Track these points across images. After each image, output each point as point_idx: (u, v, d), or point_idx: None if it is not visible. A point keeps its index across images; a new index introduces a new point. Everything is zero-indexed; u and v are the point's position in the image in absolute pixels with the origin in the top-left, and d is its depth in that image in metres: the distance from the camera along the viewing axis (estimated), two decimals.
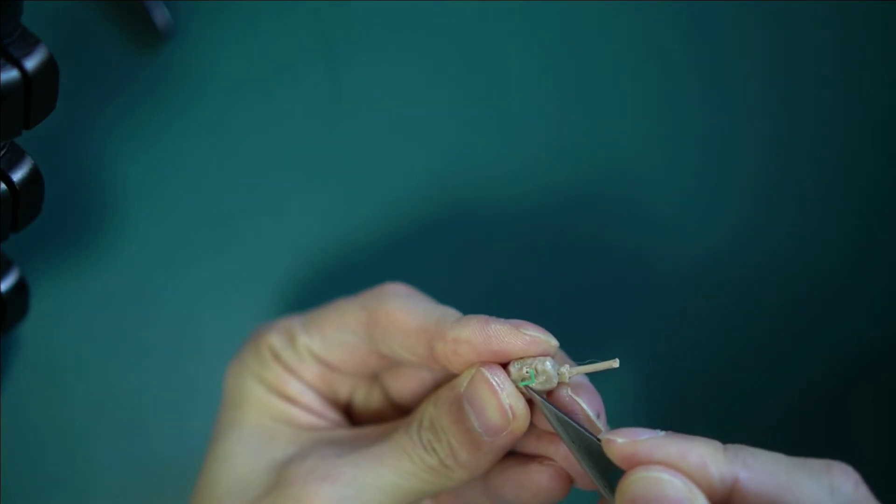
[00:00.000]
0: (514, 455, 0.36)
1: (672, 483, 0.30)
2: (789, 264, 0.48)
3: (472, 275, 0.49)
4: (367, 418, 0.40)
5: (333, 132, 0.50)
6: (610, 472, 0.32)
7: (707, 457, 0.30)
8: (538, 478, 0.35)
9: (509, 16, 0.50)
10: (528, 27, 0.50)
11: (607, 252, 0.49)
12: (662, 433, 0.31)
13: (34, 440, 0.49)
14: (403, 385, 0.39)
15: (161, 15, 0.49)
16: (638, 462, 0.31)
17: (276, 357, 0.38)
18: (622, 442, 0.31)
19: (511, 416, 0.33)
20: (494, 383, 0.33)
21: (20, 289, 0.44)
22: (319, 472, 0.35)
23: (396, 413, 0.40)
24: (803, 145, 0.49)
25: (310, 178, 0.50)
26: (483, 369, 0.34)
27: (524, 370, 0.33)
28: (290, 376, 0.38)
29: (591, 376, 0.34)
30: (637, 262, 0.49)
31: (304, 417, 0.38)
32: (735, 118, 0.49)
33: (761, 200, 0.49)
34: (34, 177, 0.37)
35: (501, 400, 0.33)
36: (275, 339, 0.39)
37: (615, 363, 0.33)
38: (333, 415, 0.39)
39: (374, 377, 0.40)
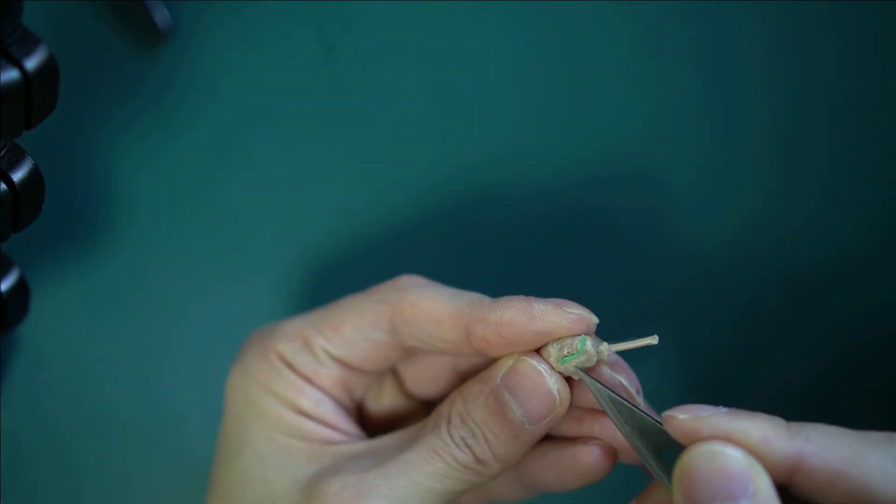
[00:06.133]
0: (551, 440, 0.36)
1: (734, 457, 0.30)
2: (802, 244, 0.48)
3: (482, 261, 0.49)
4: (380, 412, 0.40)
5: (334, 129, 0.50)
6: (664, 453, 0.32)
7: (769, 432, 0.30)
8: (585, 458, 0.35)
9: (511, 8, 0.50)
10: (530, 20, 0.50)
11: (620, 231, 0.49)
12: (724, 410, 0.31)
13: (34, 440, 0.49)
14: (420, 372, 0.39)
15: (161, 15, 0.49)
16: (700, 438, 0.30)
17: (289, 365, 0.37)
18: (684, 418, 0.31)
19: (558, 400, 0.34)
20: (542, 370, 0.33)
21: (20, 289, 0.44)
22: (352, 489, 0.34)
23: (410, 402, 0.40)
24: (816, 124, 0.49)
25: (311, 175, 0.50)
26: (525, 357, 0.34)
27: (565, 350, 0.33)
28: (305, 385, 0.37)
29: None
30: (651, 241, 0.49)
31: (319, 431, 0.37)
32: (747, 96, 0.49)
33: (772, 180, 0.49)
34: (34, 177, 0.37)
35: (550, 386, 0.33)
36: (284, 346, 0.37)
37: (654, 339, 0.33)
38: (348, 426, 0.38)
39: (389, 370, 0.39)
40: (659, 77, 0.49)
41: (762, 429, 0.30)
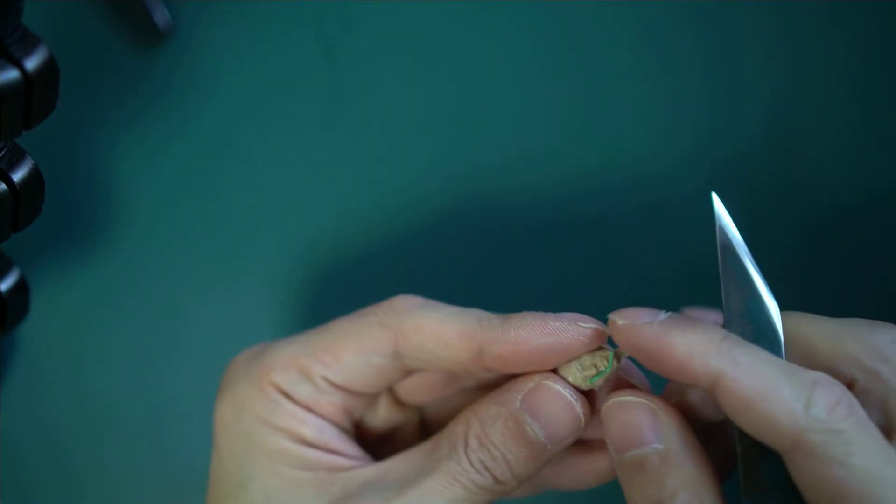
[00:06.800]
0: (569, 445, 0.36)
1: (638, 407, 0.32)
2: (804, 248, 0.48)
3: (484, 267, 0.49)
4: (377, 426, 0.39)
5: (335, 129, 0.50)
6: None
7: (696, 349, 0.30)
8: (604, 462, 0.36)
9: (513, 8, 0.50)
10: (534, 19, 0.50)
11: (624, 240, 0.49)
12: (664, 315, 0.31)
13: (33, 440, 0.49)
14: (415, 382, 0.38)
15: (161, 15, 0.49)
16: (635, 346, 0.31)
17: (287, 396, 0.36)
18: (623, 324, 0.32)
19: (583, 422, 0.33)
20: (568, 395, 0.33)
21: (20, 289, 0.44)
22: None
23: (405, 412, 0.40)
24: (823, 131, 0.49)
25: (311, 177, 0.50)
26: (548, 381, 0.33)
27: (593, 369, 0.33)
28: (306, 414, 0.36)
29: None
30: (655, 248, 0.49)
31: (325, 459, 0.36)
32: (753, 103, 0.49)
33: (775, 186, 0.49)
34: (35, 177, 0.37)
35: (577, 410, 0.33)
36: (278, 375, 0.36)
37: None
38: (352, 449, 0.37)
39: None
40: (664, 85, 0.49)
41: (689, 345, 0.30)
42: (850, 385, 0.31)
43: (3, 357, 0.49)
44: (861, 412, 0.29)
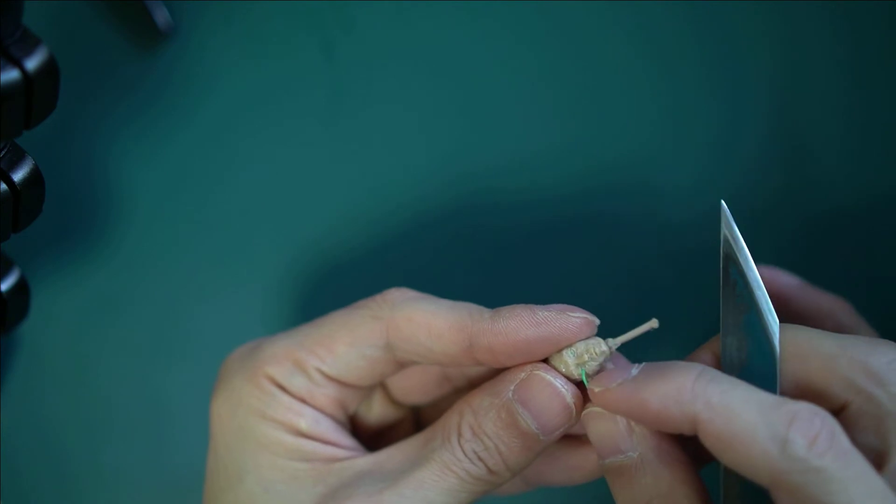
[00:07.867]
0: (560, 440, 0.36)
1: (613, 422, 0.33)
2: (805, 253, 0.48)
3: (481, 267, 0.49)
4: (371, 422, 0.39)
5: (335, 129, 0.50)
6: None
7: (670, 398, 0.30)
8: (594, 458, 0.36)
9: (514, 9, 0.50)
10: (535, 20, 0.50)
11: (623, 240, 0.49)
12: (636, 370, 0.32)
13: (33, 440, 0.49)
14: (408, 381, 0.39)
15: (161, 15, 0.49)
16: (615, 409, 0.32)
17: (282, 388, 0.36)
18: (598, 391, 0.32)
19: (574, 413, 0.34)
20: (559, 385, 0.33)
21: (20, 289, 0.44)
22: None
23: (399, 410, 0.40)
24: (824, 135, 0.49)
25: (311, 177, 0.50)
26: (539, 371, 0.34)
27: (584, 356, 0.33)
28: (301, 406, 0.36)
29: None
30: (654, 250, 0.49)
31: (321, 450, 0.36)
32: (742, 102, 0.49)
33: (777, 190, 0.49)
34: (35, 177, 0.37)
35: (568, 401, 0.33)
36: (273, 368, 0.36)
37: (654, 323, 0.33)
38: (347, 440, 0.37)
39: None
40: (666, 88, 0.49)
41: (662, 396, 0.30)
42: (845, 407, 0.31)
43: (3, 357, 0.48)
44: (844, 443, 0.29)
